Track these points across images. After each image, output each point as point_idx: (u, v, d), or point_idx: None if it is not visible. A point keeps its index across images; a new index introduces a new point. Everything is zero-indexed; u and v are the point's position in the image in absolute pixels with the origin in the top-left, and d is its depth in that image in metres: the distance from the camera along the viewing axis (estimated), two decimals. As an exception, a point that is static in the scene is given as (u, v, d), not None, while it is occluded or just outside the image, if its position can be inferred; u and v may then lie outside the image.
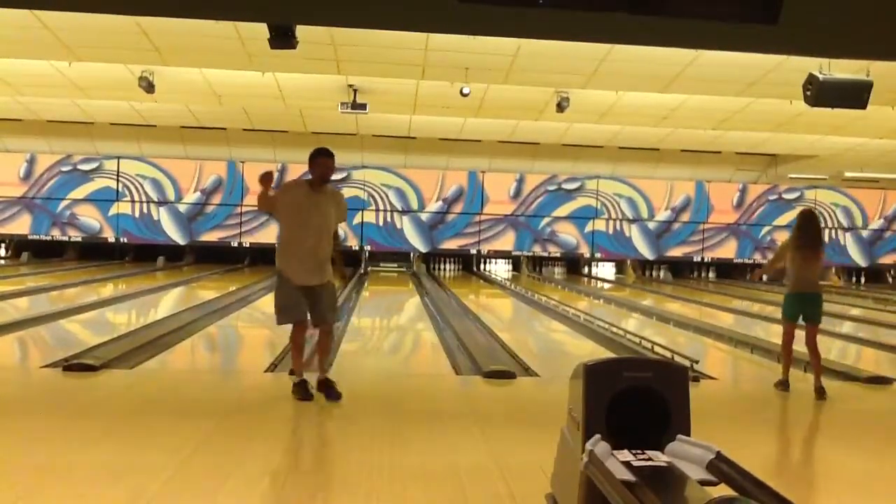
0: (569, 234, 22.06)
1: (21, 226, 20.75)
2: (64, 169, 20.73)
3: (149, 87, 12.62)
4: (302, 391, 5.78)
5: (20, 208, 20.72)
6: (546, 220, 21.93)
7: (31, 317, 9.89)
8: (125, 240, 20.98)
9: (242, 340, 10.08)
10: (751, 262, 22.53)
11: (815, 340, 6.80)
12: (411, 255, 21.81)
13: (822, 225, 6.93)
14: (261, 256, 20.84)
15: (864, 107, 9.28)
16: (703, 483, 2.45)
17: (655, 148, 19.68)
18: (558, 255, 22.22)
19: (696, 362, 7.35)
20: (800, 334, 6.95)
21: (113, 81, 13.14)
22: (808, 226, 6.89)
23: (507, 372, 6.89)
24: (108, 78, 12.94)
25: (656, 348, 8.36)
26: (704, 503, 2.03)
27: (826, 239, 22.59)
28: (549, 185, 21.89)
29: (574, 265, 22.92)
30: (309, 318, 5.88)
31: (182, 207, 20.98)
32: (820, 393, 6.54)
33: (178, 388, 6.29)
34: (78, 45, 10.78)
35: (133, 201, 20.91)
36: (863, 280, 23.44)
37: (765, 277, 7.22)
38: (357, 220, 21.23)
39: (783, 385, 6.84)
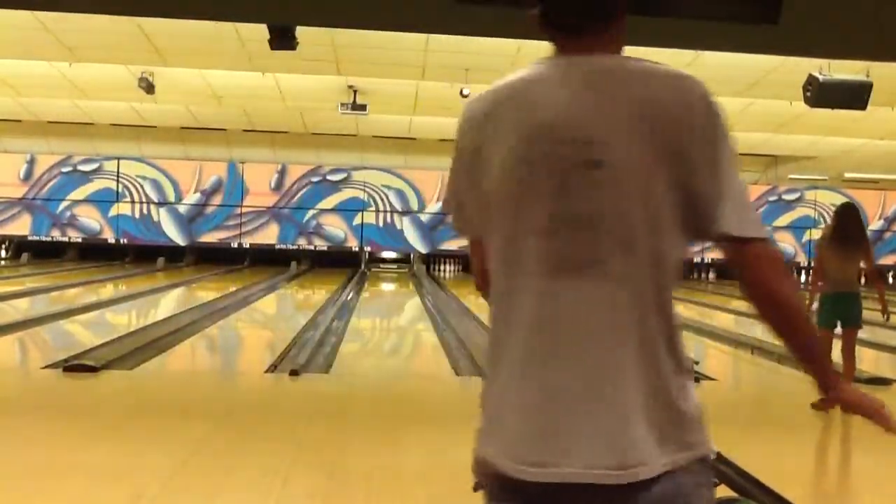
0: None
1: (21, 226, 20.74)
2: (64, 170, 20.72)
3: (149, 88, 12.61)
4: None
5: (20, 209, 20.72)
6: (546, 220, 21.93)
7: (31, 317, 9.89)
8: (125, 241, 20.97)
9: (243, 341, 10.07)
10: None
11: (853, 346, 6.28)
12: (411, 255, 21.81)
13: (861, 219, 6.25)
14: (261, 257, 20.86)
15: (864, 107, 9.28)
16: (703, 483, 2.44)
17: (655, 148, 19.65)
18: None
19: (696, 363, 7.35)
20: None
21: (113, 82, 13.14)
22: (846, 220, 6.29)
23: (507, 372, 6.87)
24: (108, 78, 12.94)
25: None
26: (704, 503, 2.03)
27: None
28: (549, 185, 21.90)
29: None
30: None
31: (182, 208, 20.97)
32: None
33: (178, 388, 6.29)
34: (78, 46, 10.78)
35: (133, 202, 20.90)
36: (863, 280, 23.41)
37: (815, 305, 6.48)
38: (357, 220, 21.23)
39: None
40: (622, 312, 1.40)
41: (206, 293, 14.46)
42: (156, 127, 18.68)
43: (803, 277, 23.09)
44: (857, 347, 10.15)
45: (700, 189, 1.45)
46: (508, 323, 1.44)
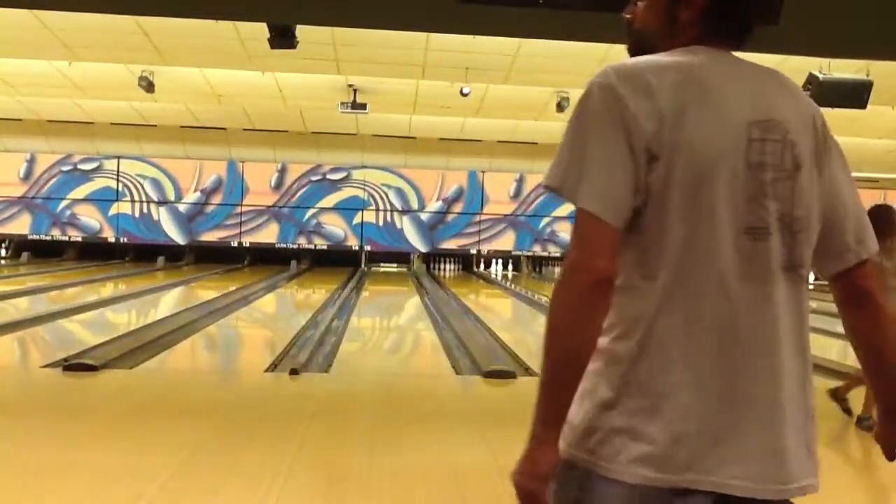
0: (569, 233, 22.07)
1: (21, 226, 20.73)
2: (64, 169, 20.72)
3: (149, 87, 12.61)
4: None
5: (20, 208, 20.71)
6: (546, 220, 21.93)
7: (31, 317, 9.89)
8: (125, 240, 20.97)
9: (242, 340, 10.07)
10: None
11: None
12: (411, 255, 21.81)
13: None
14: (261, 256, 20.86)
15: (864, 107, 9.29)
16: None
17: (655, 148, 19.65)
18: (558, 255, 22.22)
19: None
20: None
21: (113, 81, 13.14)
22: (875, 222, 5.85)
23: (507, 372, 6.89)
24: (108, 78, 12.94)
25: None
26: (704, 503, 2.02)
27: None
28: (549, 184, 21.89)
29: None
30: None
31: (182, 207, 20.97)
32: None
33: (178, 388, 6.29)
34: (78, 45, 10.78)
35: (133, 201, 20.90)
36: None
37: None
38: (357, 219, 21.24)
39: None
40: (805, 319, 1.41)
41: (206, 292, 14.46)
42: (156, 126, 18.68)
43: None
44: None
45: (847, 205, 1.48)
46: (692, 325, 1.32)
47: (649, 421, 1.31)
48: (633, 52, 1.49)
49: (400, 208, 21.46)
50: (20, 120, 18.26)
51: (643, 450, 1.31)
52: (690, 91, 1.35)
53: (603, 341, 1.37)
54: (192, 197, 20.99)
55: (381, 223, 21.41)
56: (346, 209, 21.15)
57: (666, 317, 1.33)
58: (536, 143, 19.65)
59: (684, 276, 1.33)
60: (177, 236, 20.95)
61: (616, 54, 11.65)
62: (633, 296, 1.35)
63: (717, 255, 1.33)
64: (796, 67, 9.57)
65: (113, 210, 20.85)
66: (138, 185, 20.88)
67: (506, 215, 21.80)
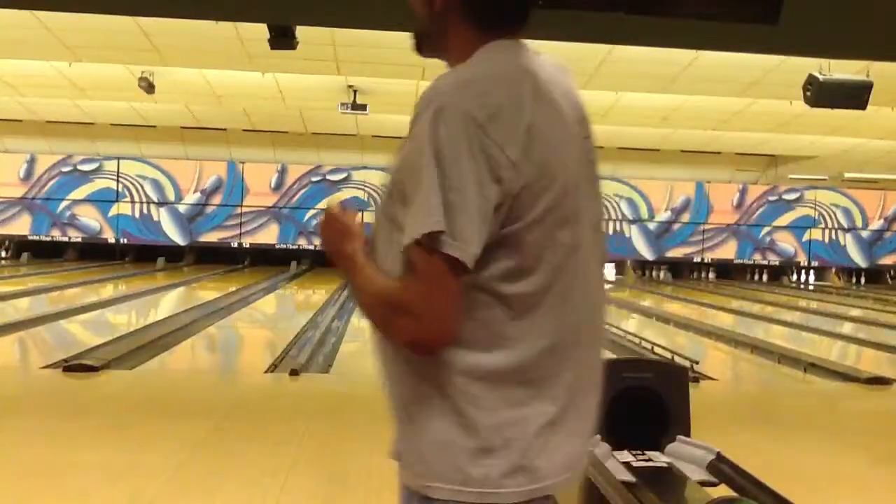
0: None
1: (21, 226, 20.73)
2: (64, 169, 20.71)
3: (149, 88, 12.61)
4: None
5: (20, 209, 20.71)
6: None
7: (31, 317, 9.89)
8: (125, 240, 20.97)
9: (242, 341, 10.07)
10: (751, 262, 22.52)
11: None
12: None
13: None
14: (261, 257, 20.86)
15: (863, 107, 9.28)
16: (704, 484, 2.46)
17: (655, 149, 19.67)
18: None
19: (697, 363, 7.35)
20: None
21: (113, 81, 13.14)
22: None
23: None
24: (108, 78, 12.93)
25: (656, 349, 8.35)
26: (704, 503, 2.04)
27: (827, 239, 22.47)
28: (549, 185, 21.88)
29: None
30: None
31: (182, 208, 20.97)
32: None
33: (178, 388, 6.29)
34: (78, 46, 10.78)
35: (133, 202, 20.90)
36: (863, 280, 23.40)
37: None
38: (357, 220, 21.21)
39: None
40: None
41: (206, 293, 14.46)
42: (156, 126, 18.68)
43: (803, 277, 23.12)
44: (858, 347, 10.21)
45: None
46: (565, 331, 1.31)
47: (556, 427, 1.35)
48: (415, 47, 1.36)
49: (400, 209, 21.46)
50: (20, 120, 18.26)
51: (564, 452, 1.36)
52: (531, 100, 1.23)
53: (473, 359, 1.27)
54: (192, 198, 20.98)
55: (381, 224, 21.39)
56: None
57: (538, 337, 1.28)
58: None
59: (558, 292, 1.28)
60: (177, 237, 20.95)
61: (616, 54, 11.64)
62: (506, 317, 1.25)
63: (583, 261, 1.30)
64: (796, 67, 9.57)
65: (113, 211, 20.84)
66: (138, 186, 20.88)
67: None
